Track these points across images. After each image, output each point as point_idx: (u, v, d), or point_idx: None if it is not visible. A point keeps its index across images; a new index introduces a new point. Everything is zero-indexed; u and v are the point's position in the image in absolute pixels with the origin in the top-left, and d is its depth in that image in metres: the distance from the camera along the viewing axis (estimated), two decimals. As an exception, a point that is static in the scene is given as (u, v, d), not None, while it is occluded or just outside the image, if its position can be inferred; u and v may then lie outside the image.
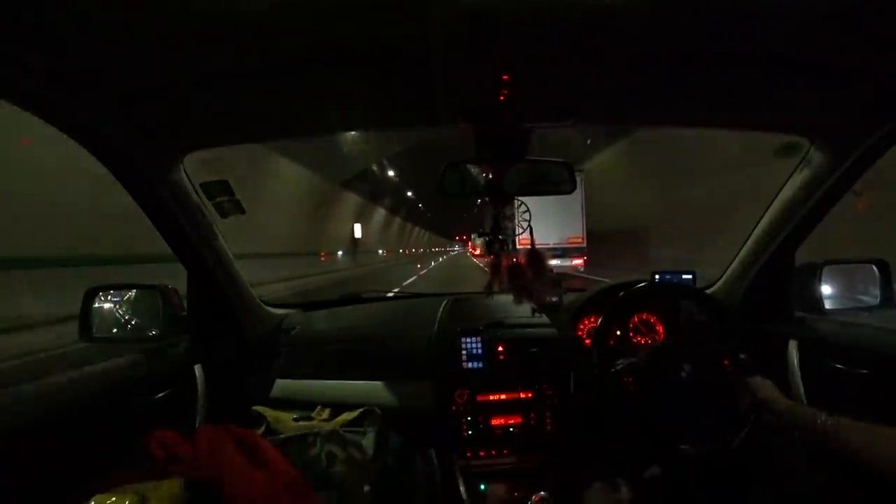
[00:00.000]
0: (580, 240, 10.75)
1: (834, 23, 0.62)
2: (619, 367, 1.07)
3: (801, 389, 1.05)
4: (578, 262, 10.70)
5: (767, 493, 1.13)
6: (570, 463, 1.14)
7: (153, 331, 1.08)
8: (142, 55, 0.66)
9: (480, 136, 0.93)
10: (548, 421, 1.18)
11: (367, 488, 0.98)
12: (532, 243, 1.02)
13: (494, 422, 1.17)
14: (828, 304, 1.14)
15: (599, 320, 1.14)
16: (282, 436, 1.01)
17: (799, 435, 0.82)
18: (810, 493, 1.01)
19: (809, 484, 1.01)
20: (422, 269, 19.54)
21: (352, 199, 18.11)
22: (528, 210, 1.05)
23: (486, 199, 1.01)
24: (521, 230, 1.06)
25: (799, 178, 1.06)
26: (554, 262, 9.88)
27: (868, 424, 0.74)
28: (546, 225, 9.96)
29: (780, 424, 0.86)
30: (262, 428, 1.05)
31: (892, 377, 0.90)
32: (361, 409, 1.13)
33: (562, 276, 1.56)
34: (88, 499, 0.65)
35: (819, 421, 0.77)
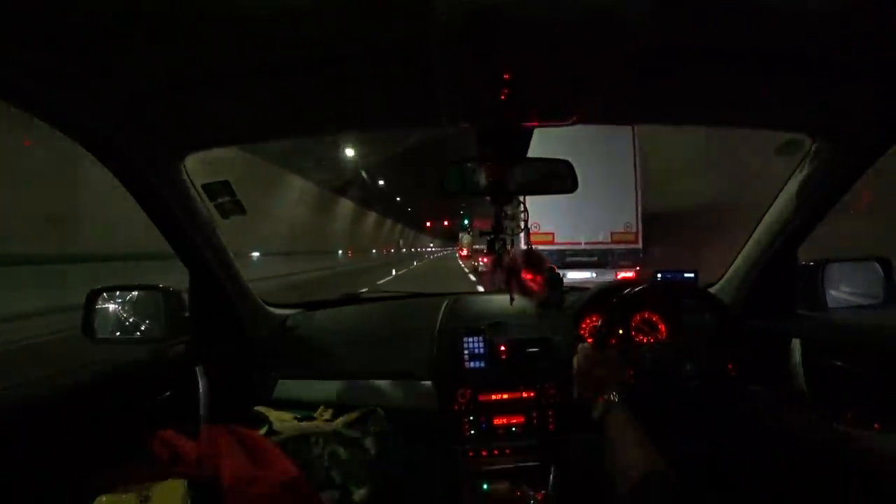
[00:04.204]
0: (633, 237, 6.39)
1: (836, 20, 0.62)
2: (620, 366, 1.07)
3: (805, 388, 1.05)
4: (628, 274, 6.12)
5: (763, 497, 1.12)
6: (573, 462, 1.14)
7: (156, 332, 1.08)
8: (142, 56, 0.66)
9: (481, 135, 0.93)
10: (550, 420, 1.18)
11: (368, 488, 0.98)
12: (528, 243, 1.02)
13: (497, 421, 1.17)
14: (830, 303, 1.13)
15: (601, 319, 1.14)
16: (284, 436, 1.01)
17: (800, 444, 0.81)
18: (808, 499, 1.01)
19: (808, 491, 1.00)
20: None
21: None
22: (525, 210, 1.05)
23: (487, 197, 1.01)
24: (519, 230, 1.06)
25: (801, 176, 1.06)
26: (583, 275, 6.02)
27: (871, 432, 0.73)
28: (572, 212, 6.06)
29: (780, 435, 0.86)
30: (265, 428, 1.06)
31: (895, 375, 0.90)
32: (363, 410, 1.13)
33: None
34: (92, 498, 0.65)
35: (820, 432, 0.77)
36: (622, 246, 6.41)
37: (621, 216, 6.38)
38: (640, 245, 6.46)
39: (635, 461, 0.68)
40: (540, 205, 5.80)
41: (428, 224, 50.00)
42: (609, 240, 6.39)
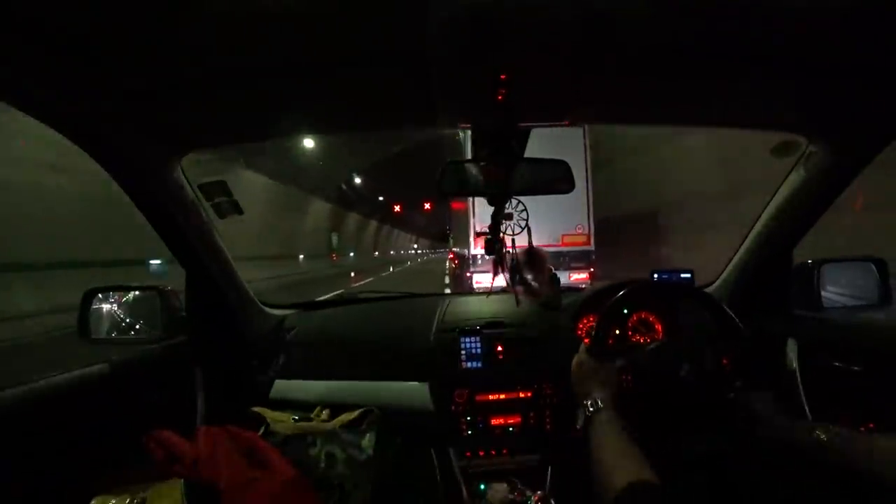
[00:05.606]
0: (584, 239, 6.32)
1: (832, 21, 0.62)
2: (617, 367, 1.08)
3: (800, 388, 1.06)
4: (581, 276, 6.19)
5: (763, 499, 1.13)
6: (570, 462, 1.14)
7: (152, 332, 1.08)
8: (139, 55, 0.66)
9: (478, 136, 0.93)
10: (547, 420, 1.18)
11: (366, 489, 0.98)
12: (530, 242, 1.02)
13: (494, 421, 1.17)
14: (826, 303, 1.14)
15: (598, 319, 1.14)
16: (281, 436, 1.01)
17: (796, 448, 0.82)
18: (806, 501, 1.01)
19: (806, 493, 1.01)
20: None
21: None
22: (525, 209, 1.05)
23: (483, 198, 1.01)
24: (519, 230, 1.07)
25: (796, 177, 1.07)
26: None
27: (867, 435, 0.73)
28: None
29: (776, 438, 0.86)
30: (262, 429, 1.05)
31: (890, 375, 0.90)
32: (361, 410, 1.13)
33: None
34: (89, 499, 0.65)
35: (815, 435, 0.77)
36: (574, 248, 6.28)
37: (573, 217, 6.23)
38: (592, 246, 6.34)
39: (619, 470, 0.66)
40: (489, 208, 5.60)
41: (397, 208, 30.70)
42: (560, 241, 6.23)
